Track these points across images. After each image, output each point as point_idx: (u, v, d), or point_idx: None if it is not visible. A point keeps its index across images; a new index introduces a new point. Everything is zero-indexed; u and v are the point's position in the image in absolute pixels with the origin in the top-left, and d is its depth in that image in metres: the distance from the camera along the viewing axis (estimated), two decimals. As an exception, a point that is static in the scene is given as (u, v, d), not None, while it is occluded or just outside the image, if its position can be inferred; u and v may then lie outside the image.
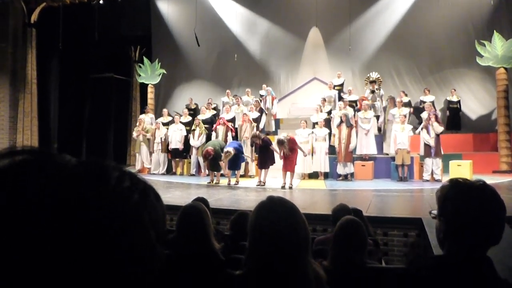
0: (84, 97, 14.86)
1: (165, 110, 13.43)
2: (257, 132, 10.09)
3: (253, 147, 10.05)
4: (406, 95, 12.14)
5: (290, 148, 8.95)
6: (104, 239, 0.44)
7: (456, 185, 1.33)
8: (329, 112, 11.55)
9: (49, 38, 12.91)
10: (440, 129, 9.73)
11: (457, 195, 1.31)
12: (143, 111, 13.76)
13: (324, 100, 12.00)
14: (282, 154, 8.99)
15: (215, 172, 9.84)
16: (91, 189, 0.46)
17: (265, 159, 9.42)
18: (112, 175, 0.48)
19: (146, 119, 12.89)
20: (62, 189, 0.45)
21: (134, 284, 0.47)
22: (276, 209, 1.34)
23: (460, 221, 1.28)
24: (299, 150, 9.24)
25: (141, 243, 0.47)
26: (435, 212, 1.38)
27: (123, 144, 14.88)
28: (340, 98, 12.33)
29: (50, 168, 0.47)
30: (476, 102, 12.86)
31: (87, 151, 14.32)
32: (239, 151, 9.67)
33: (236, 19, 14.59)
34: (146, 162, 12.33)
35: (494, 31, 11.13)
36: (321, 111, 11.38)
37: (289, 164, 9.01)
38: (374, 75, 12.18)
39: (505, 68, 10.91)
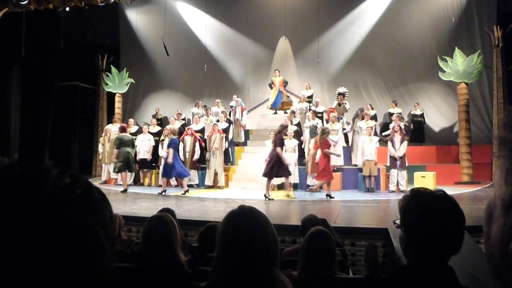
0: (48, 105, 14.40)
1: (131, 120, 13.18)
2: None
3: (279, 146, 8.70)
4: (372, 108, 12.44)
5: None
6: (44, 235, 0.43)
7: (417, 195, 1.35)
8: (298, 124, 11.66)
9: (11, 45, 12.46)
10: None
11: (417, 205, 1.32)
12: (110, 120, 13.45)
13: (293, 112, 12.09)
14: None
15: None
16: (28, 186, 0.44)
17: (278, 164, 8.62)
18: (50, 172, 0.47)
19: (113, 129, 12.60)
20: None
21: (84, 282, 0.45)
22: (246, 218, 1.32)
23: (421, 231, 1.30)
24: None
25: (87, 239, 0.46)
26: (398, 222, 1.40)
27: (88, 154, 14.48)
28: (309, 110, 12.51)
29: None
30: (438, 115, 13.33)
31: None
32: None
33: (206, 29, 14.59)
34: (113, 172, 12.01)
35: (456, 47, 11.61)
36: (291, 123, 11.45)
37: (326, 170, 8.80)
38: (341, 89, 12.43)
39: (466, 83, 11.37)
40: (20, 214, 0.43)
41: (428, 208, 1.30)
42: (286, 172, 8.80)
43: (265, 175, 8.70)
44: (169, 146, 9.53)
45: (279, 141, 8.70)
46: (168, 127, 11.95)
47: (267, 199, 8.46)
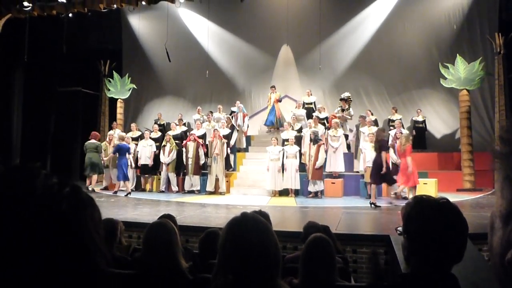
0: (50, 111, 14.43)
1: (133, 125, 13.22)
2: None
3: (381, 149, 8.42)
4: (372, 114, 12.42)
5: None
6: (38, 229, 0.46)
7: (420, 202, 1.34)
8: (300, 130, 11.66)
9: (14, 50, 12.53)
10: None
11: (420, 213, 1.32)
12: (110, 127, 13.50)
13: (295, 118, 12.11)
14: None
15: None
16: (21, 186, 0.48)
17: (381, 168, 8.31)
18: (39, 173, 0.51)
19: (114, 135, 12.63)
20: None
21: (75, 278, 0.48)
22: (248, 225, 1.31)
23: (424, 238, 1.29)
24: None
25: (79, 231, 0.49)
26: (400, 229, 1.39)
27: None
28: (310, 117, 12.46)
29: None
30: (440, 122, 13.31)
31: (52, 167, 13.84)
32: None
33: (208, 35, 14.65)
34: (114, 178, 12.02)
35: (457, 54, 11.63)
36: (292, 129, 11.47)
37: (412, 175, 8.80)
38: (344, 95, 12.40)
39: (468, 90, 11.37)
40: (15, 212, 0.45)
41: (432, 216, 1.29)
42: (389, 179, 8.54)
43: (374, 182, 8.45)
44: (117, 151, 10.61)
45: (383, 146, 8.48)
46: (169, 133, 11.99)
47: (373, 205, 8.19)
